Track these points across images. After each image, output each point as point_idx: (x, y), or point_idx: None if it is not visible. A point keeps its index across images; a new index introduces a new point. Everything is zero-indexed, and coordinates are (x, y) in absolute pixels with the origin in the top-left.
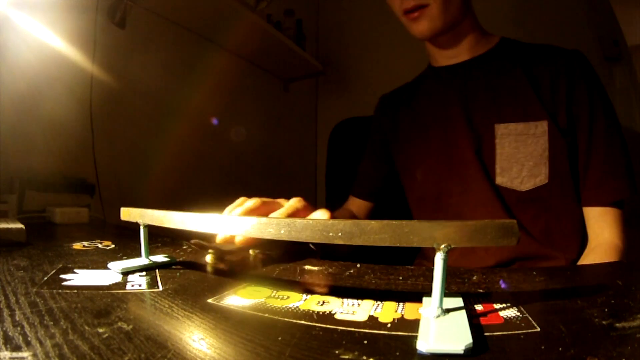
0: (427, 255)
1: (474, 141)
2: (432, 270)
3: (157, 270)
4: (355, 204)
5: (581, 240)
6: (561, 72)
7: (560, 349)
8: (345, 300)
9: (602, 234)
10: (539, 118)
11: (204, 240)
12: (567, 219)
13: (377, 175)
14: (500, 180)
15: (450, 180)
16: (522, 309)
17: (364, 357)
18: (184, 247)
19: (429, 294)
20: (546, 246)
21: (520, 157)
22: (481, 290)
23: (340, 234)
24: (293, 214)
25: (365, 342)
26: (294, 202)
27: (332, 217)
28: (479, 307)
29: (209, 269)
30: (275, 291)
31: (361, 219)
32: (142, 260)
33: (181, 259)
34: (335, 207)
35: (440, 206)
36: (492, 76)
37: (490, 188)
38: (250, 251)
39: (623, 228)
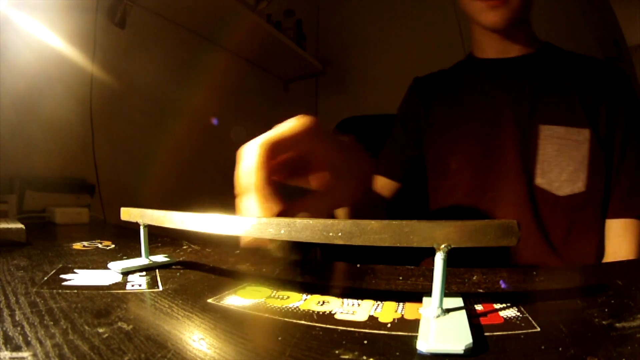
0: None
1: (520, 137)
2: (432, 270)
3: (157, 270)
4: (381, 183)
5: (598, 256)
6: (603, 87)
7: (560, 349)
8: (345, 300)
9: (619, 250)
10: (582, 125)
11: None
12: (592, 234)
13: (407, 157)
14: (539, 181)
15: (488, 175)
16: (522, 309)
17: (364, 357)
18: (184, 247)
19: (429, 294)
20: (566, 260)
21: (562, 160)
22: (481, 290)
23: (340, 234)
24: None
25: (365, 342)
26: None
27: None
28: (479, 307)
29: (209, 269)
30: (275, 291)
31: (384, 199)
32: (142, 260)
33: (181, 259)
34: None
35: (473, 200)
36: (540, 77)
37: (528, 188)
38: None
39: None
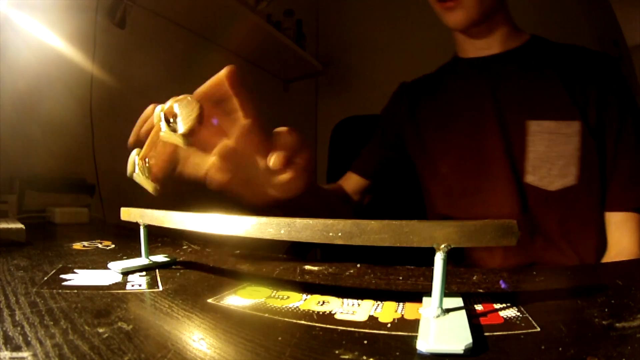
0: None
1: (505, 137)
2: (432, 270)
3: (157, 270)
4: (351, 180)
5: (599, 247)
6: (592, 76)
7: (560, 349)
8: (345, 300)
9: (621, 242)
10: (572, 117)
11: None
12: (590, 225)
13: (381, 158)
14: (530, 178)
15: (478, 177)
16: (522, 309)
17: (364, 357)
18: (184, 247)
19: (429, 294)
20: (566, 253)
21: (552, 155)
22: (481, 290)
23: (340, 234)
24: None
25: (365, 342)
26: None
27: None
28: (479, 307)
29: (209, 269)
30: (275, 291)
31: (346, 194)
32: (142, 260)
33: (181, 259)
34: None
35: (464, 202)
36: (524, 72)
37: (518, 186)
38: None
39: None
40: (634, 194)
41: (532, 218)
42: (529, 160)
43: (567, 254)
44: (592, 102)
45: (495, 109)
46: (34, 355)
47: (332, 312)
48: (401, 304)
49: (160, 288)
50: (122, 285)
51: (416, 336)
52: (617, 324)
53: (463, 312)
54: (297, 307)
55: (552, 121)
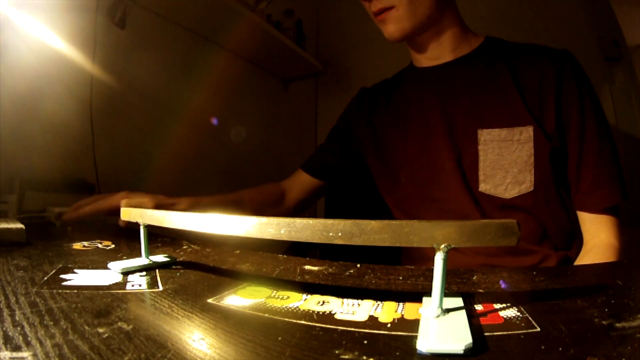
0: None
1: (455, 148)
2: (432, 270)
3: (157, 270)
4: (301, 178)
5: (574, 236)
6: (549, 74)
7: (560, 349)
8: (345, 300)
9: (598, 235)
10: (525, 123)
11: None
12: (553, 222)
13: (332, 160)
14: (483, 187)
15: (432, 187)
16: (522, 309)
17: (364, 357)
18: (184, 247)
19: (429, 294)
20: (529, 256)
21: (505, 163)
22: (481, 290)
23: (340, 234)
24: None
25: (365, 342)
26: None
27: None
28: (479, 307)
29: (209, 269)
30: (275, 291)
31: (286, 194)
32: (142, 260)
33: (181, 259)
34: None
35: (423, 211)
36: (475, 78)
37: (472, 196)
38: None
39: (619, 230)
40: (601, 194)
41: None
42: (481, 169)
43: (530, 257)
44: (549, 102)
45: (444, 120)
46: (34, 355)
47: (332, 312)
48: (401, 304)
49: (160, 288)
50: (122, 285)
51: (416, 336)
52: (617, 324)
53: (463, 312)
54: (297, 307)
55: (504, 129)
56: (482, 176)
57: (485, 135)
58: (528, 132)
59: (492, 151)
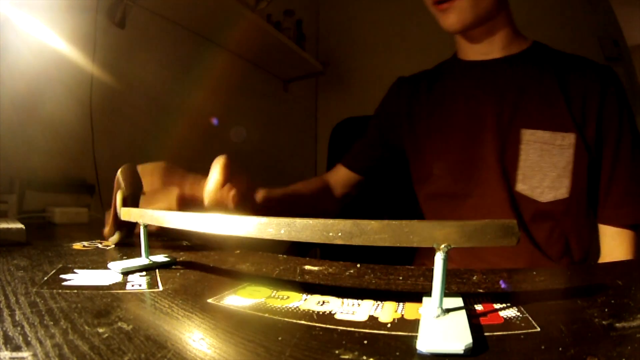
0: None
1: (499, 143)
2: (432, 270)
3: (157, 270)
4: (340, 173)
5: (588, 257)
6: (594, 87)
7: (560, 349)
8: (345, 300)
9: (614, 253)
10: (567, 130)
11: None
12: (580, 237)
13: (373, 154)
14: (520, 187)
15: (469, 181)
16: (522, 309)
17: (364, 357)
18: (184, 247)
19: (429, 294)
20: (556, 259)
21: (544, 166)
22: (481, 290)
23: (340, 234)
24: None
25: (365, 342)
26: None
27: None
28: (479, 307)
29: (209, 269)
30: (275, 291)
31: (332, 189)
32: (142, 260)
33: (181, 259)
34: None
35: (454, 206)
36: (523, 79)
37: (509, 195)
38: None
39: (636, 249)
40: (629, 210)
41: (524, 227)
42: (520, 169)
43: (552, 264)
44: (591, 115)
45: (490, 115)
46: (34, 355)
47: (332, 312)
48: (401, 304)
49: (160, 288)
50: (122, 285)
51: (416, 336)
52: (617, 324)
53: (463, 312)
54: (297, 307)
55: (547, 131)
56: (521, 176)
57: (529, 136)
58: (570, 138)
59: (533, 152)
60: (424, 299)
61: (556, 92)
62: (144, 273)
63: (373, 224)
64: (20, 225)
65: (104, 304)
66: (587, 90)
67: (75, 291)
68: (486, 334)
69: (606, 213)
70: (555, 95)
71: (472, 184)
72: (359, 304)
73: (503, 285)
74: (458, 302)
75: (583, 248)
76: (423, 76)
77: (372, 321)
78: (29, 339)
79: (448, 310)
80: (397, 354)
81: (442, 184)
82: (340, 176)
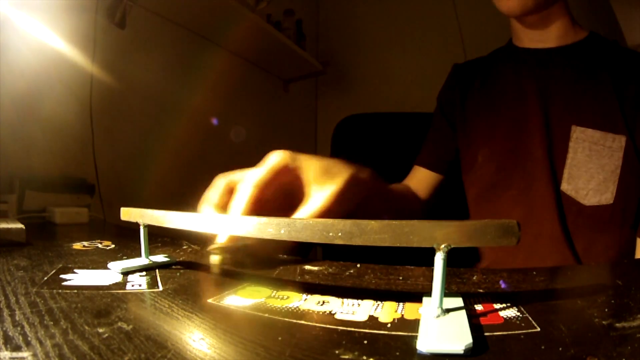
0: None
1: (547, 137)
2: (432, 270)
3: (157, 270)
4: (419, 175)
5: None
6: None
7: (560, 349)
8: (345, 300)
9: None
10: (619, 132)
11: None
12: (616, 247)
13: (448, 144)
14: (565, 187)
15: (514, 172)
16: (522, 309)
17: (364, 357)
18: (184, 247)
19: (429, 294)
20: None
21: (592, 167)
22: (481, 290)
23: (340, 234)
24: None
25: (365, 342)
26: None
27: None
28: (479, 307)
29: (209, 269)
30: (275, 291)
31: (417, 194)
32: (142, 260)
33: (181, 259)
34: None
35: (496, 197)
36: (577, 72)
37: (554, 192)
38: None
39: None
40: None
41: (565, 228)
42: (567, 167)
43: None
44: None
45: (541, 106)
46: (34, 355)
47: (332, 312)
48: (401, 304)
49: (160, 288)
50: (122, 285)
51: (416, 336)
52: (617, 324)
53: (463, 312)
54: (297, 307)
55: (597, 131)
56: (567, 175)
57: (579, 133)
58: (620, 141)
59: (582, 151)
60: (424, 299)
61: (609, 89)
62: (144, 273)
63: (373, 224)
64: (20, 225)
65: (104, 304)
66: None
67: (75, 291)
68: (486, 334)
69: None
70: (609, 94)
71: (516, 175)
72: (359, 304)
73: (503, 285)
74: (458, 302)
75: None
76: (478, 62)
77: (372, 321)
78: (29, 339)
79: (448, 310)
80: (397, 354)
81: (486, 172)
82: (420, 179)
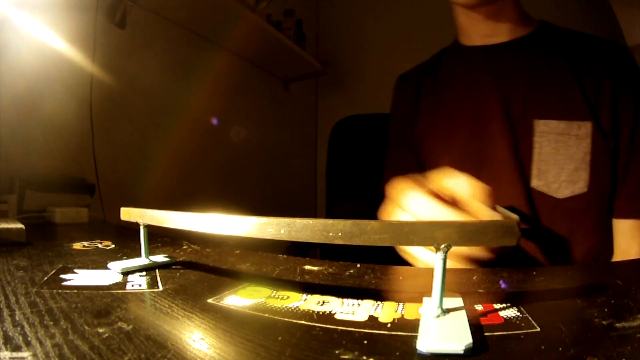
0: None
1: (511, 136)
2: (432, 270)
3: (157, 270)
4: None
5: (601, 255)
6: (606, 69)
7: (560, 349)
8: (345, 300)
9: (629, 251)
10: (583, 118)
11: None
12: (595, 233)
13: (412, 160)
14: (536, 183)
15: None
16: (522, 309)
17: (364, 357)
18: (184, 247)
19: (429, 294)
20: (567, 261)
21: (560, 159)
22: (481, 290)
23: (340, 234)
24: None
25: (365, 342)
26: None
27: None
28: (479, 307)
29: (209, 269)
30: (275, 291)
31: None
32: (142, 260)
33: (181, 259)
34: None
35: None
36: (532, 64)
37: (524, 191)
38: None
39: None
40: None
41: (539, 226)
42: (535, 163)
43: (567, 262)
44: (605, 100)
45: (500, 104)
46: (34, 355)
47: (332, 312)
48: (401, 304)
49: (160, 288)
50: (122, 285)
51: (416, 336)
52: (617, 324)
53: (463, 312)
54: (297, 307)
55: (561, 121)
56: (536, 171)
57: (542, 127)
58: (586, 127)
59: (548, 144)
60: (424, 299)
61: (568, 76)
62: (144, 273)
63: (373, 224)
64: (20, 225)
65: (104, 304)
66: (600, 71)
67: (75, 291)
68: (486, 334)
69: (621, 205)
70: (568, 82)
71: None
72: (359, 304)
73: (503, 285)
74: (458, 302)
75: (590, 256)
76: (422, 68)
77: (372, 321)
78: (29, 339)
79: (448, 310)
80: (397, 354)
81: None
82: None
